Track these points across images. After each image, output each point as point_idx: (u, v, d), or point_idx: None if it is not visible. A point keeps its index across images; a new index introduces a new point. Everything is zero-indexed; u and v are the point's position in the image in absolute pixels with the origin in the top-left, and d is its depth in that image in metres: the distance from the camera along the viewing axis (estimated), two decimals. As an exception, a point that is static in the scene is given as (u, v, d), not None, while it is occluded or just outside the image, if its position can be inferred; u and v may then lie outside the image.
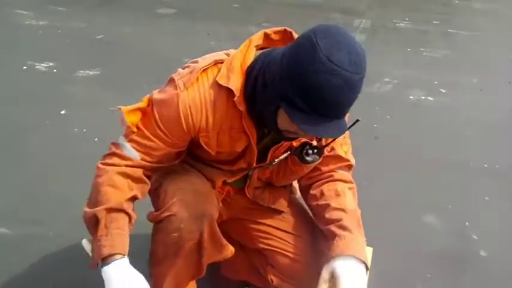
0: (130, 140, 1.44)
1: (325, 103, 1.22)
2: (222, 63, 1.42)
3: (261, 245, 1.73)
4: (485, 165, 2.95)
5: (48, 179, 2.60)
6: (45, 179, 2.60)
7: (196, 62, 1.46)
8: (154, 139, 1.44)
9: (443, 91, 3.91)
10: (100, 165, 1.46)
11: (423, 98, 3.76)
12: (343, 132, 1.32)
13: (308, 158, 1.52)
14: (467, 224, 2.45)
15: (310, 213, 1.72)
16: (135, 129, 1.43)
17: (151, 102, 1.43)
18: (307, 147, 1.51)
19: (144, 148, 1.45)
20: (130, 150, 1.44)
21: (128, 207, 1.44)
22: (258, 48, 1.45)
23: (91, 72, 3.85)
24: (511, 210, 2.57)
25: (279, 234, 1.72)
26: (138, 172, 1.46)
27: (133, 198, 1.47)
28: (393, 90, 3.83)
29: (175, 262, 1.55)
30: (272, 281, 1.73)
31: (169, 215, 1.49)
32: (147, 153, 1.46)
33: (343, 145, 1.60)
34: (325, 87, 1.19)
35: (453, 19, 5.86)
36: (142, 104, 1.44)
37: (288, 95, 1.25)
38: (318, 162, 1.56)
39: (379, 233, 2.27)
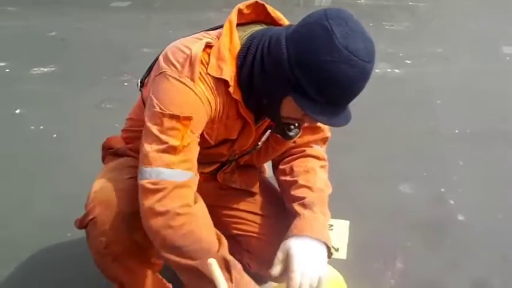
0: (178, 165, 1.27)
1: (341, 94, 1.19)
2: (211, 47, 1.30)
3: (234, 231, 1.64)
4: (456, 131, 2.92)
5: (8, 179, 2.46)
6: (5, 179, 2.47)
7: (179, 48, 1.30)
8: (195, 147, 1.31)
9: (409, 62, 3.88)
10: (180, 211, 1.26)
11: (389, 70, 3.72)
12: (350, 119, 1.27)
13: (291, 133, 1.43)
14: (442, 190, 2.40)
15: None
16: (181, 152, 1.27)
17: (164, 117, 1.26)
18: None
19: (192, 161, 1.31)
20: (185, 174, 1.28)
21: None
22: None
23: (45, 69, 3.70)
24: (484, 173, 2.53)
25: (251, 217, 1.63)
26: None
27: None
28: (359, 64, 3.75)
29: (120, 266, 1.44)
30: (249, 266, 1.64)
31: (92, 219, 1.37)
32: (194, 164, 1.32)
33: None
34: (343, 77, 1.15)
35: (412, -8, 5.85)
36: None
37: (299, 84, 1.19)
38: (299, 135, 1.47)
39: (357, 205, 2.24)
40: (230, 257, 1.31)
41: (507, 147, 2.76)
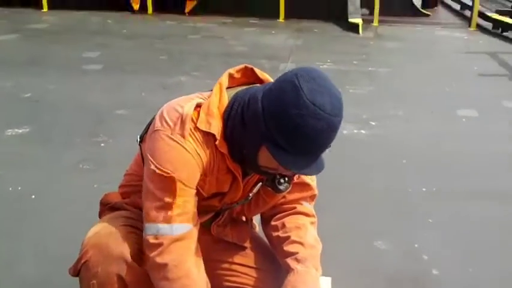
0: (175, 220, 1.40)
1: (309, 145, 1.29)
2: (200, 106, 1.43)
3: (227, 283, 1.70)
4: (424, 189, 3.08)
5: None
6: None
7: (174, 107, 1.43)
8: (191, 200, 1.43)
9: (373, 124, 4.09)
10: (176, 263, 1.40)
11: (356, 131, 3.91)
12: (323, 169, 1.36)
13: (281, 187, 1.53)
14: (416, 245, 2.53)
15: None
16: (177, 207, 1.39)
17: (158, 175, 1.38)
18: (278, 176, 1.52)
19: (191, 214, 1.43)
20: (182, 228, 1.41)
21: None
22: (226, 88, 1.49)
23: (20, 131, 3.70)
24: (453, 228, 2.68)
25: (243, 270, 1.70)
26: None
27: None
28: (327, 126, 3.93)
29: None
30: (243, 319, 1.69)
31: (84, 262, 1.45)
32: (193, 216, 1.45)
33: None
34: (309, 130, 1.25)
35: (371, 58, 6.21)
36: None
37: (272, 135, 1.30)
38: (289, 189, 1.57)
39: (336, 262, 2.29)
40: None
41: (471, 203, 2.93)
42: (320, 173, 1.37)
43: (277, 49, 6.46)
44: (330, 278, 2.22)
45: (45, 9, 8.63)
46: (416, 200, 2.96)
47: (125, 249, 1.44)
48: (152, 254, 1.40)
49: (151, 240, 1.40)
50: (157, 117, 1.46)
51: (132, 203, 1.63)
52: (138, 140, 1.60)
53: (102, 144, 3.52)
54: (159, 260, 1.39)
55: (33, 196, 2.83)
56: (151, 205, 1.40)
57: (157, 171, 1.38)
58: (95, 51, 5.85)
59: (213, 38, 7.06)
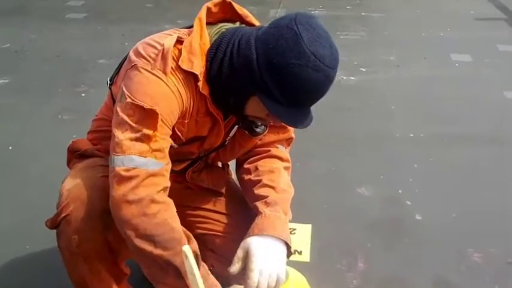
0: (152, 154, 1.28)
1: (305, 97, 1.26)
2: (181, 42, 1.33)
3: (199, 230, 1.65)
4: (411, 135, 3.02)
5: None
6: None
7: (150, 43, 1.33)
8: (167, 138, 1.33)
9: (364, 70, 3.99)
10: (155, 198, 1.28)
11: (345, 78, 3.81)
12: (311, 122, 1.34)
13: (258, 130, 1.48)
14: (400, 191, 2.48)
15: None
16: (154, 142, 1.28)
17: (135, 107, 1.27)
18: None
19: (165, 151, 1.32)
20: (158, 164, 1.29)
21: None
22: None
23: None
24: (438, 175, 2.63)
25: (216, 216, 1.66)
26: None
27: None
28: (315, 73, 3.84)
29: (89, 268, 1.43)
30: (213, 266, 1.65)
31: (65, 216, 1.37)
32: (166, 154, 1.33)
33: None
34: (307, 82, 1.21)
35: (364, 3, 6.00)
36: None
37: (265, 85, 1.23)
38: (265, 132, 1.52)
39: (318, 209, 2.30)
40: (199, 253, 1.34)
41: (459, 149, 2.87)
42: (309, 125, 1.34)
43: (268, -5, 6.26)
44: (309, 225, 2.20)
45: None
46: (403, 146, 2.90)
47: (108, 204, 1.34)
48: (123, 189, 1.26)
49: (124, 173, 1.25)
50: (132, 54, 1.35)
51: (105, 149, 1.52)
52: (108, 82, 1.52)
53: (83, 94, 3.44)
54: (132, 195, 1.25)
55: (11, 147, 2.77)
56: (125, 136, 1.27)
57: (134, 102, 1.27)
58: (79, -1, 5.67)
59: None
